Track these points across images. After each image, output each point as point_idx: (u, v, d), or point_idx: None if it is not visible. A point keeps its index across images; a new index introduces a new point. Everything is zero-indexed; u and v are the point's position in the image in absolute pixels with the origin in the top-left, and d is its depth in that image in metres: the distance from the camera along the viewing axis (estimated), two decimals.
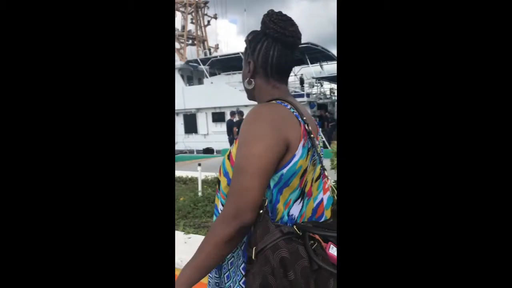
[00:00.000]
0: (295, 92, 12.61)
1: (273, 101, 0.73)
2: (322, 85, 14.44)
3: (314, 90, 13.84)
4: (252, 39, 0.79)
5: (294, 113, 0.70)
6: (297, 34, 0.75)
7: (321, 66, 15.25)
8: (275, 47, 0.75)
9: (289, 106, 0.71)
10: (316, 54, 13.80)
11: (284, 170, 0.67)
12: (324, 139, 10.47)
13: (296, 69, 14.62)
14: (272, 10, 0.77)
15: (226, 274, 0.75)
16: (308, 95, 12.61)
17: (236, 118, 8.38)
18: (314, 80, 14.13)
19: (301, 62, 13.47)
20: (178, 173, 4.40)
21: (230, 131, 8.32)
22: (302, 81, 13.29)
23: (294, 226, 0.67)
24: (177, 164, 8.98)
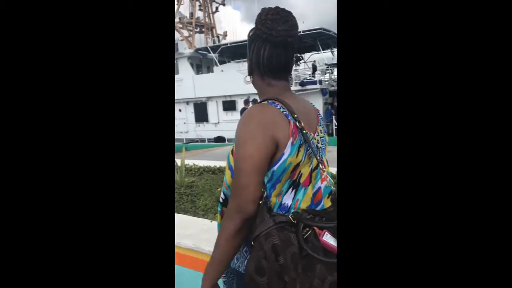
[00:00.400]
0: (307, 79, 12.46)
1: (265, 102, 0.78)
2: (333, 72, 14.25)
3: (326, 77, 13.66)
4: (249, 37, 0.82)
5: (284, 112, 0.74)
6: (287, 33, 0.76)
7: (332, 52, 15.00)
8: (265, 47, 0.77)
9: (279, 106, 0.75)
10: (328, 40, 13.55)
11: (275, 167, 0.73)
12: (336, 125, 10.42)
13: (307, 55, 14.41)
14: (264, 9, 0.79)
15: (236, 255, 0.84)
16: (320, 82, 12.46)
17: (250, 106, 8.33)
18: (326, 67, 13.92)
19: (313, 48, 13.27)
20: (205, 162, 4.41)
21: None
22: (314, 68, 13.10)
23: (290, 216, 0.74)
24: (190, 153, 9.00)
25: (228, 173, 0.83)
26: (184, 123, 14.86)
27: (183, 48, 14.90)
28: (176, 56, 14.87)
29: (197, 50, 15.36)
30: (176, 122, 15.01)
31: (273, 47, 0.77)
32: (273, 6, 0.80)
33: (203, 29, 19.68)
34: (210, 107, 14.42)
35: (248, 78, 0.86)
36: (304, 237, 0.71)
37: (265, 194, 0.75)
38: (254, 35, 0.80)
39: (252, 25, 0.82)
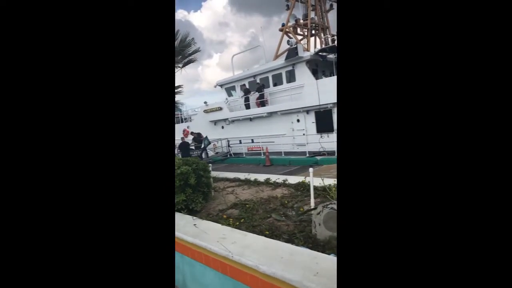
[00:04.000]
0: None
1: None
2: None
3: None
4: None
5: None
6: None
7: None
8: None
9: None
10: None
11: None
12: None
13: None
14: None
15: None
16: None
17: None
18: None
19: None
20: None
21: None
22: None
23: None
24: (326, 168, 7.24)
25: None
26: (303, 135, 13.33)
27: (302, 52, 13.43)
28: (293, 62, 13.59)
29: (318, 51, 13.75)
30: (295, 133, 13.63)
31: None
32: None
33: (315, 31, 18.11)
34: (336, 115, 12.53)
35: None
36: None
37: None
38: None
39: None
